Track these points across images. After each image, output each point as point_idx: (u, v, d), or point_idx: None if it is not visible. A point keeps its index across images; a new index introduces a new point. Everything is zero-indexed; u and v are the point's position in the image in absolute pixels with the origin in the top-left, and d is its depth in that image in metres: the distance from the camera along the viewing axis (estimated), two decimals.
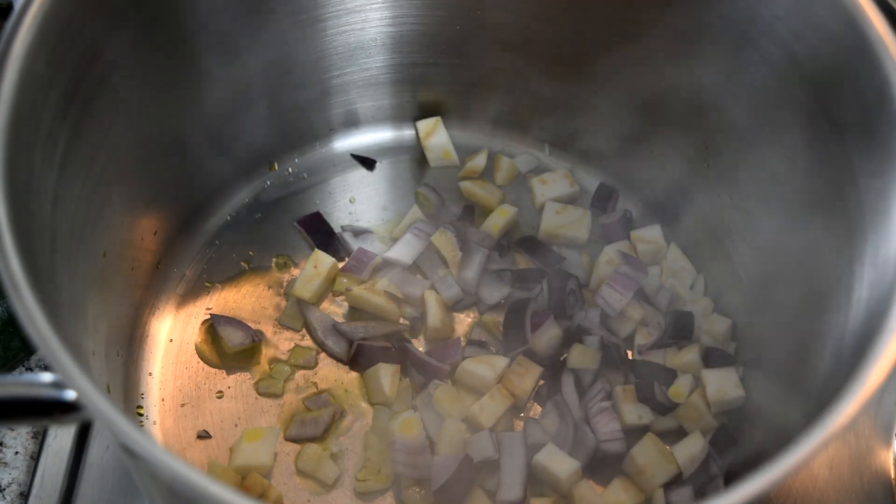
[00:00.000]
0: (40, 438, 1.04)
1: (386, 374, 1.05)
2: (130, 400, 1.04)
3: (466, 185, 1.20)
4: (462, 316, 1.13)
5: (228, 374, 1.06)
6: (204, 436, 1.03)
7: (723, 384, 1.04)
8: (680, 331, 1.08)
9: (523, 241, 1.16)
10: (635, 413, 1.04)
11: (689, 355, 1.07)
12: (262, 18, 1.05)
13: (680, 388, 1.05)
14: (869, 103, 0.81)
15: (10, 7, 0.74)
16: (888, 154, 0.79)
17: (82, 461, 1.02)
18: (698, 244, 1.15)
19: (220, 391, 1.06)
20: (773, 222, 1.00)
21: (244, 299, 1.13)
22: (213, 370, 1.07)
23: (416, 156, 1.24)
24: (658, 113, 1.11)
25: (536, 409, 1.07)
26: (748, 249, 1.07)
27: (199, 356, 1.08)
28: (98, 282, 0.95)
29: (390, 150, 1.24)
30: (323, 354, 1.10)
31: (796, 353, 0.94)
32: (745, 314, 1.08)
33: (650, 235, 1.16)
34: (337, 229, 1.17)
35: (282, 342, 1.10)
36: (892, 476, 0.99)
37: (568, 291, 1.12)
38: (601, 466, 1.03)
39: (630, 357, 1.10)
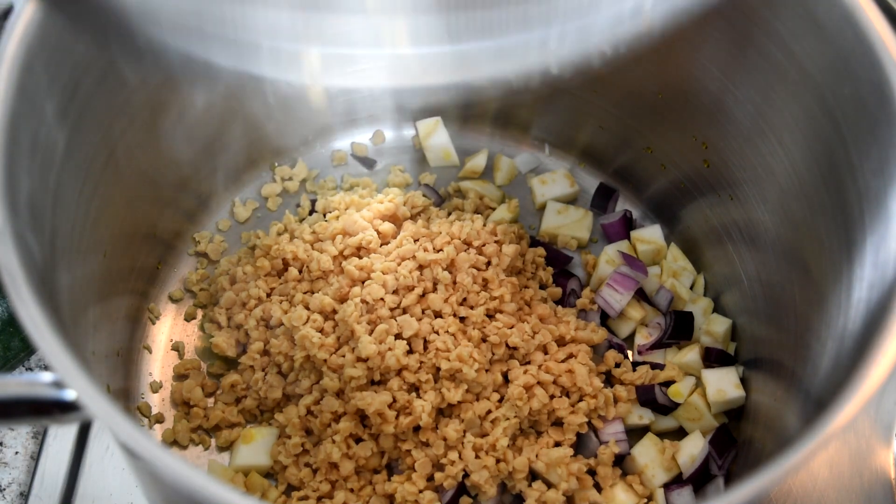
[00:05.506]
0: (40, 438, 1.04)
1: None
2: (130, 400, 1.04)
3: (466, 186, 1.20)
4: None
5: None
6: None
7: (723, 384, 1.04)
8: (680, 331, 1.08)
9: None
10: (635, 413, 1.04)
11: (689, 355, 1.07)
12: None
13: (680, 388, 1.05)
14: (869, 103, 0.81)
15: (10, 7, 0.74)
16: (888, 154, 0.79)
17: (82, 461, 1.02)
18: (698, 244, 1.15)
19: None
20: (773, 222, 1.00)
21: None
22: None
23: (416, 156, 1.24)
24: (658, 113, 1.11)
25: None
26: (748, 249, 1.07)
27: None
28: (98, 282, 0.95)
29: (390, 150, 1.24)
30: None
31: (796, 353, 0.94)
32: (745, 314, 1.08)
33: (650, 235, 1.16)
34: None
35: None
36: (892, 476, 0.99)
37: (568, 292, 1.12)
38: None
39: (630, 357, 1.10)
